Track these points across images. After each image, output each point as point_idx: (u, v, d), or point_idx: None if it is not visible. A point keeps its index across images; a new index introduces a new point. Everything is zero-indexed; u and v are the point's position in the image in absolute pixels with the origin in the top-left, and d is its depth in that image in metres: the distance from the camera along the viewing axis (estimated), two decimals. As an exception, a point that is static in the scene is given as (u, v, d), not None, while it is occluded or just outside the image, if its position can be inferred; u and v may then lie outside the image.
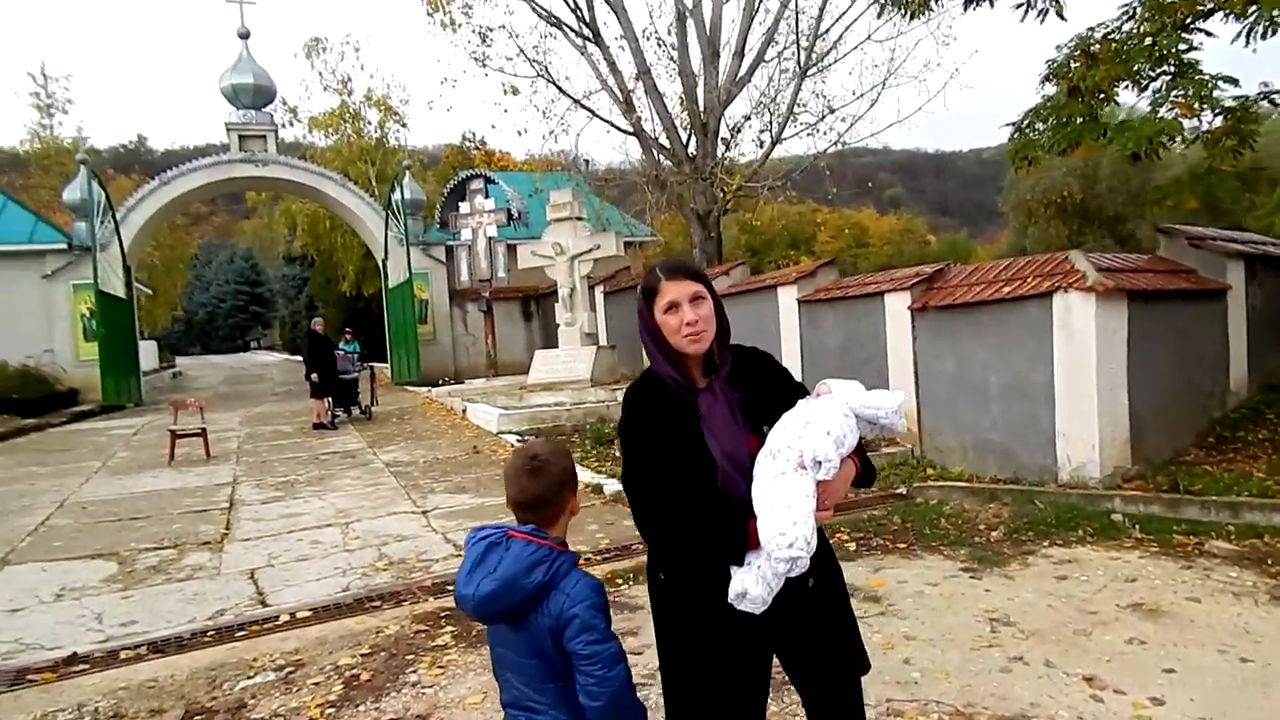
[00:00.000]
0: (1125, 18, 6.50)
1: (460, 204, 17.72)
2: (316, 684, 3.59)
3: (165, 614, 4.62)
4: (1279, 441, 6.77)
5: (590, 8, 14.80)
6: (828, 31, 14.61)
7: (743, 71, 15.11)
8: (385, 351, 20.48)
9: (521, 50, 15.25)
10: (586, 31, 14.95)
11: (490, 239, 17.38)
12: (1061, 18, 6.95)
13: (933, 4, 6.92)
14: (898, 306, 8.00)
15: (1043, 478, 6.47)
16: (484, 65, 16.05)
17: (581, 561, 4.27)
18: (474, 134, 33.61)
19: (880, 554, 4.99)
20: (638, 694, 1.84)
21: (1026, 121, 7.15)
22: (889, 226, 52.54)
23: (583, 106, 15.68)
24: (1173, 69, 6.25)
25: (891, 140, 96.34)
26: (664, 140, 15.36)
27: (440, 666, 3.66)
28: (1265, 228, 9.37)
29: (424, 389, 16.54)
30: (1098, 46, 6.02)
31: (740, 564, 1.72)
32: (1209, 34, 6.36)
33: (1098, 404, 6.23)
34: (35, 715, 3.40)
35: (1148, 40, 6.22)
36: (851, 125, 14.88)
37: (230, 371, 31.48)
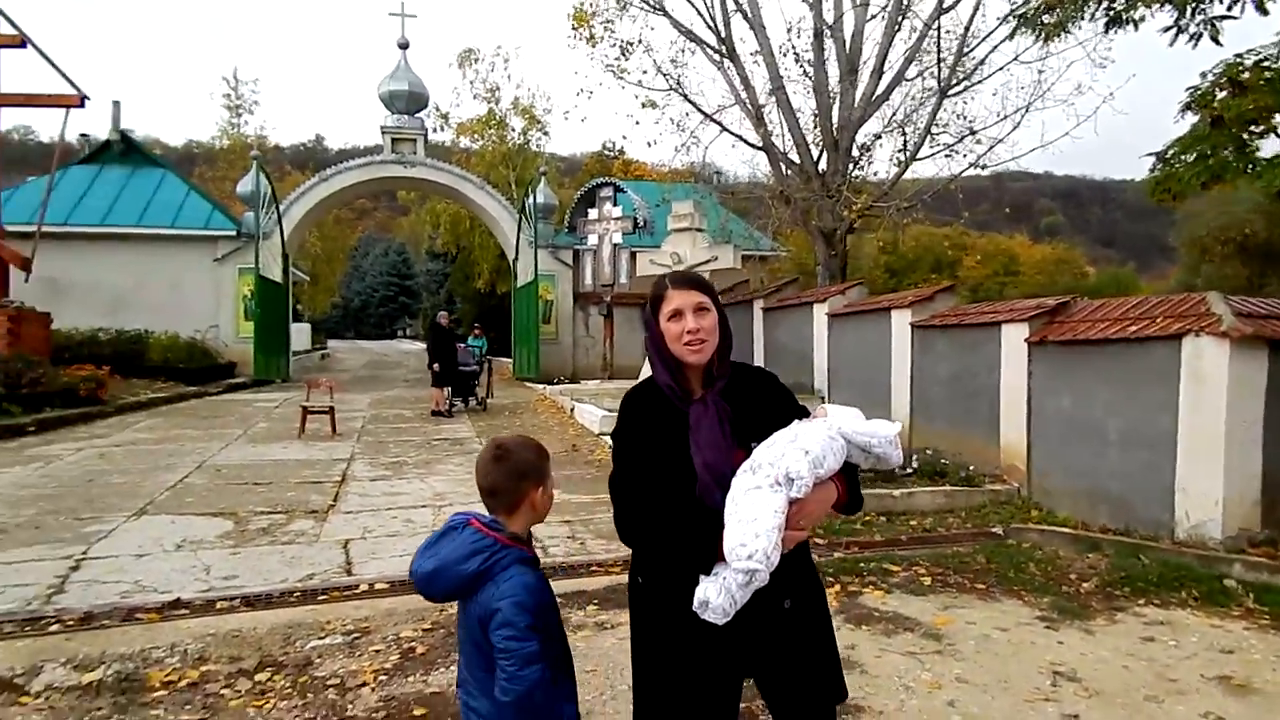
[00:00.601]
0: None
1: (589, 210, 18.22)
2: (377, 651, 3.83)
3: (263, 572, 5.03)
4: None
5: (727, 25, 14.91)
6: (972, 51, 14.08)
7: (880, 89, 14.78)
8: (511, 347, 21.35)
9: (657, 65, 15.53)
10: (722, 48, 15.05)
11: (615, 245, 17.78)
12: (1216, 42, 6.44)
13: (1070, 26, 6.57)
14: (1015, 338, 7.62)
15: (1157, 532, 6.00)
16: (621, 78, 16.45)
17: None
18: (613, 144, 34.37)
19: (955, 592, 4.79)
20: (574, 706, 1.89)
21: (1170, 152, 6.67)
22: (1042, 255, 49.72)
23: (714, 121, 15.80)
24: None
25: (1054, 165, 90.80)
26: (793, 156, 15.25)
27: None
28: None
29: (541, 386, 17.08)
30: (1248, 74, 5.54)
31: (709, 573, 1.74)
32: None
33: (1225, 459, 5.71)
34: (136, 649, 3.80)
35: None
36: (990, 148, 14.24)
37: (373, 357, 33.49)
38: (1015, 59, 13.65)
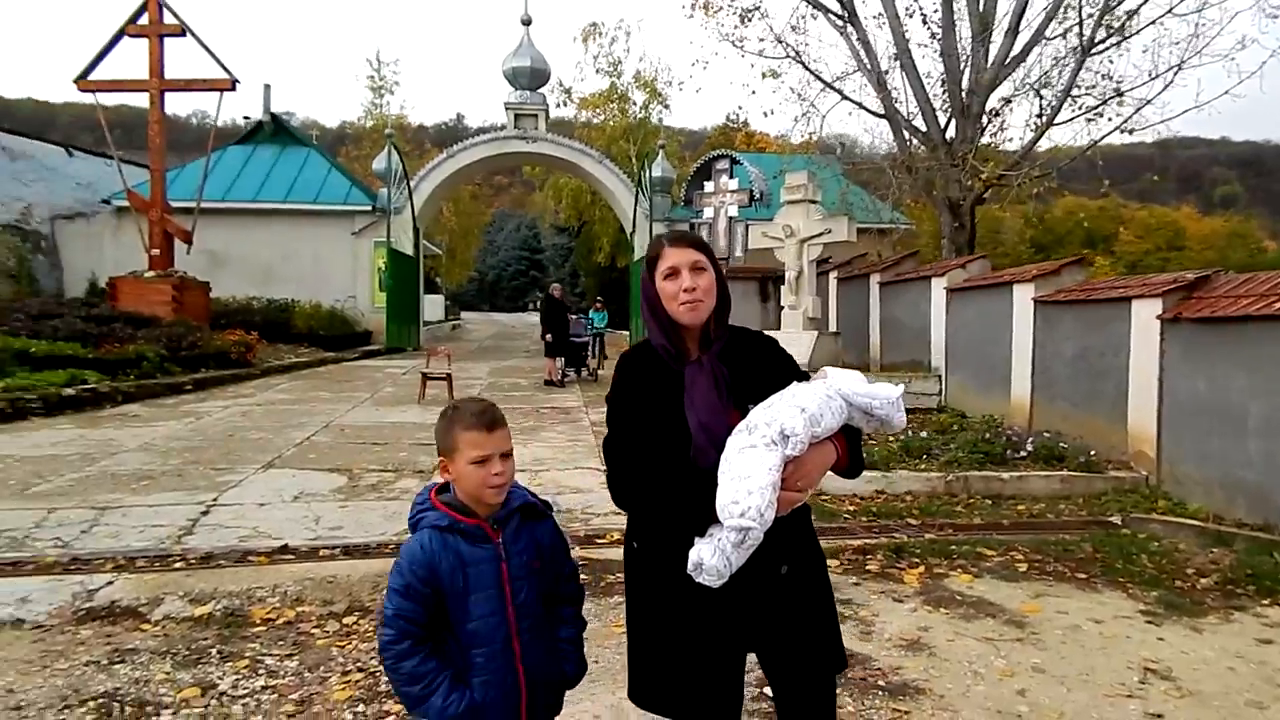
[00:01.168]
0: None
1: (705, 183, 18.08)
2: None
3: (366, 525, 5.37)
4: None
5: (851, -13, 14.34)
6: (1120, 4, 12.95)
7: (1015, 50, 13.86)
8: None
9: (775, 34, 15.15)
10: (844, 11, 14.51)
11: (731, 219, 17.58)
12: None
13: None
14: (1146, 315, 7.05)
15: (1299, 530, 5.45)
16: (739, 47, 16.15)
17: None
18: (737, 115, 33.92)
19: (1051, 580, 4.53)
20: (451, 700, 1.73)
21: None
22: (1211, 229, 45.50)
23: (833, 89, 15.29)
24: None
25: (1231, 129, 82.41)
26: (918, 123, 14.56)
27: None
28: None
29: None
30: None
31: (703, 535, 1.71)
32: None
33: (1385, 451, 5.11)
34: (243, 588, 4.15)
35: None
36: (1138, 110, 13.08)
37: (500, 328, 34.71)
38: (1169, 11, 12.47)
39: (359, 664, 3.39)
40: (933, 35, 14.45)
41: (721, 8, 16.13)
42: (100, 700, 3.00)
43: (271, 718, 2.94)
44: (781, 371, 1.91)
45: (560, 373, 13.33)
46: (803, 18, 15.35)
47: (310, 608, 3.99)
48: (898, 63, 14.47)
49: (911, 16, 14.46)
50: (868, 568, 4.65)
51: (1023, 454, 7.46)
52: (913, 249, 15.98)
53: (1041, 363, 8.59)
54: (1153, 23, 12.99)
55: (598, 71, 27.30)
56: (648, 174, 19.47)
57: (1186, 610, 4.07)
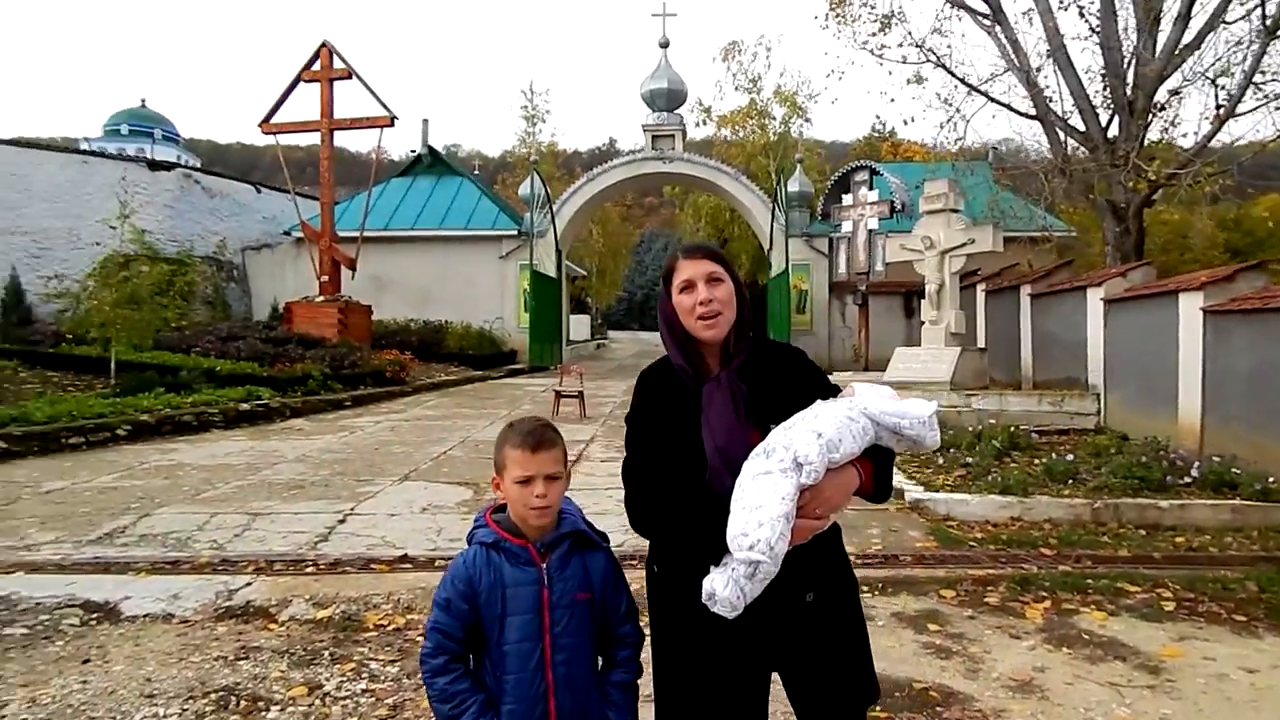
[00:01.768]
0: None
1: (844, 196, 17.65)
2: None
3: (482, 537, 5.58)
4: None
5: (996, -17, 13.64)
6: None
7: (1188, 38, 12.68)
8: (767, 338, 21.40)
9: (915, 38, 14.62)
10: (989, 10, 13.81)
11: (871, 231, 17.06)
12: None
13: None
14: (1338, 325, 6.24)
15: None
16: (878, 55, 15.70)
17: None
18: (883, 125, 32.89)
19: (1201, 621, 4.06)
20: None
21: None
22: None
23: (979, 92, 14.55)
24: None
25: None
26: (1074, 122, 13.59)
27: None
28: None
29: (791, 377, 16.90)
30: None
31: (718, 563, 1.65)
32: None
33: None
34: (361, 594, 4.42)
35: None
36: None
37: (643, 347, 35.28)
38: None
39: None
40: (1091, 28, 13.48)
41: (859, 16, 15.77)
42: (220, 693, 3.27)
43: None
44: (808, 387, 1.82)
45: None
46: (945, 19, 14.75)
47: (419, 616, 4.18)
48: (1051, 60, 13.60)
49: (1066, 9, 13.58)
50: (986, 600, 4.35)
51: (1186, 480, 6.76)
52: (1068, 258, 14.89)
53: (1213, 379, 7.75)
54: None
55: (737, 89, 27.40)
56: (782, 188, 19.23)
57: (1368, 666, 3.54)
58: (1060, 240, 19.50)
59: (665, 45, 21.89)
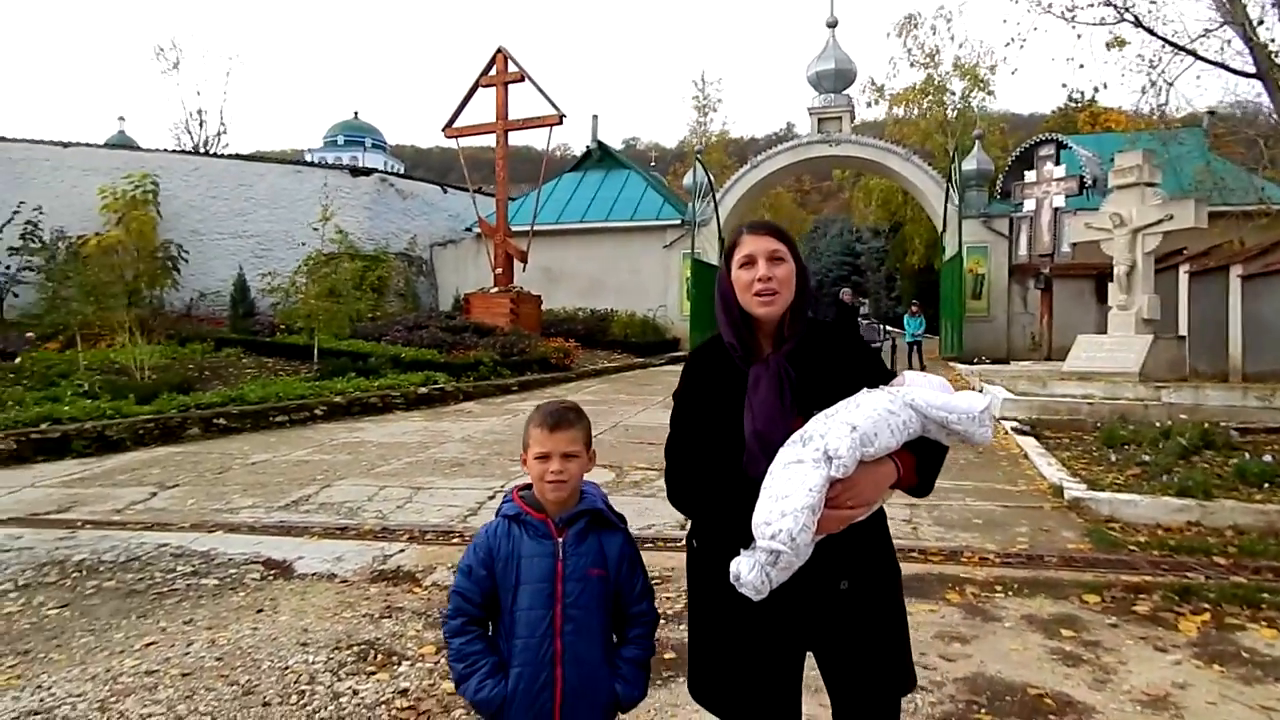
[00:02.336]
0: None
1: (1026, 173, 16.45)
2: (667, 597, 4.22)
3: (632, 517, 5.79)
4: None
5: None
6: None
7: None
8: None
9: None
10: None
11: (1056, 210, 15.81)
12: None
13: None
14: None
15: None
16: (1068, 18, 14.46)
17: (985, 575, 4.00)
18: (1080, 94, 30.15)
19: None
20: (486, 686, 1.85)
21: None
22: None
23: (1187, 52, 13.09)
24: None
25: None
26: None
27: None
28: None
29: (964, 366, 16.05)
30: None
31: (747, 546, 1.67)
32: None
33: None
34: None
35: None
36: None
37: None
38: None
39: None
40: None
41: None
42: (362, 646, 3.65)
43: (480, 677, 3.37)
44: (860, 375, 1.78)
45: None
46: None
47: (545, 588, 4.44)
48: (1276, 8, 12.02)
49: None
50: (1135, 608, 4.00)
51: None
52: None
53: None
54: None
55: (912, 65, 26.08)
56: (956, 165, 18.18)
57: None
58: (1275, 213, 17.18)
59: (833, 25, 21.27)
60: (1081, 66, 35.64)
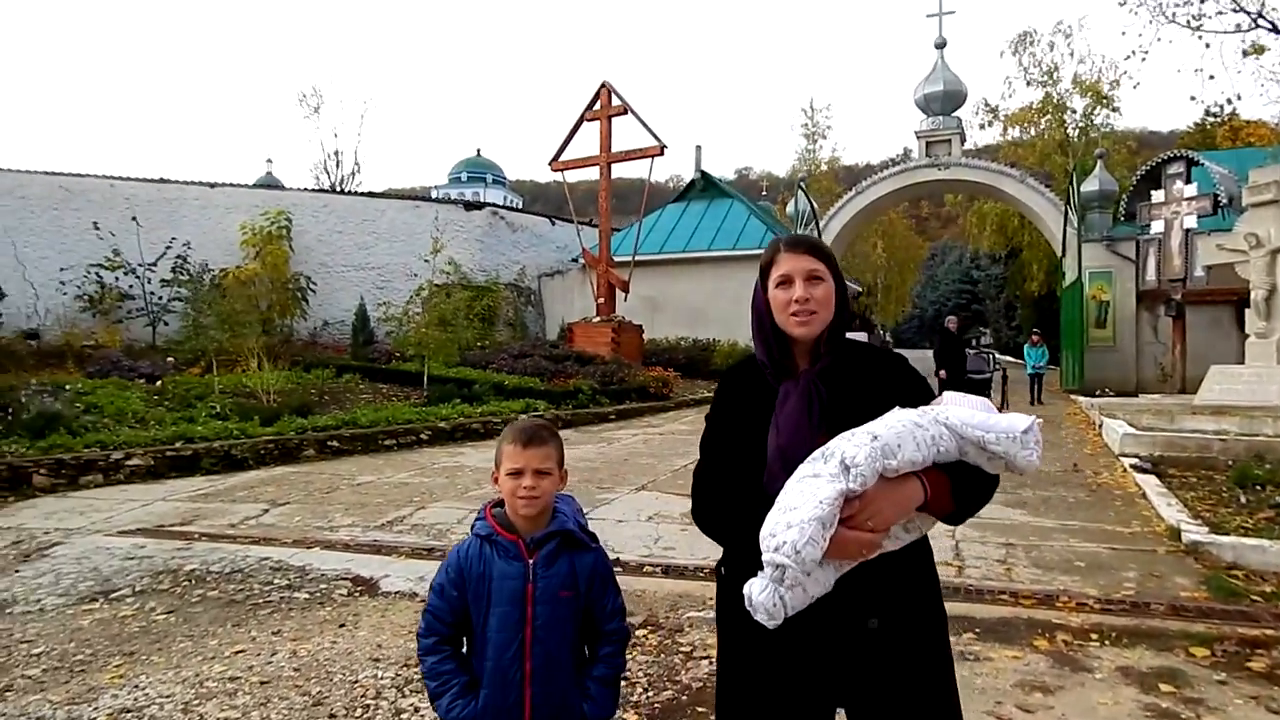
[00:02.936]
0: None
1: (1153, 192, 15.46)
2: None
3: (694, 549, 5.72)
4: None
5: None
6: None
7: None
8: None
9: (1238, 1, 12.52)
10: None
11: (1188, 231, 14.76)
12: None
13: None
14: None
15: None
16: (1194, 27, 13.67)
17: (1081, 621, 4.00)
18: (1220, 107, 28.14)
19: None
20: (458, 705, 1.88)
21: None
22: None
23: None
24: None
25: None
26: None
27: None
28: None
29: (1085, 399, 15.12)
30: None
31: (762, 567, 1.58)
32: None
33: None
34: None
35: None
36: None
37: (920, 365, 33.35)
38: None
39: (629, 672, 3.71)
40: None
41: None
42: (430, 662, 3.77)
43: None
44: (896, 397, 1.68)
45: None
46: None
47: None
48: None
49: None
50: (1249, 664, 3.65)
51: None
52: None
53: None
54: None
55: (1029, 83, 25.02)
56: (1075, 189, 17.27)
57: None
58: None
59: (941, 46, 20.73)
60: (1211, 77, 33.32)
